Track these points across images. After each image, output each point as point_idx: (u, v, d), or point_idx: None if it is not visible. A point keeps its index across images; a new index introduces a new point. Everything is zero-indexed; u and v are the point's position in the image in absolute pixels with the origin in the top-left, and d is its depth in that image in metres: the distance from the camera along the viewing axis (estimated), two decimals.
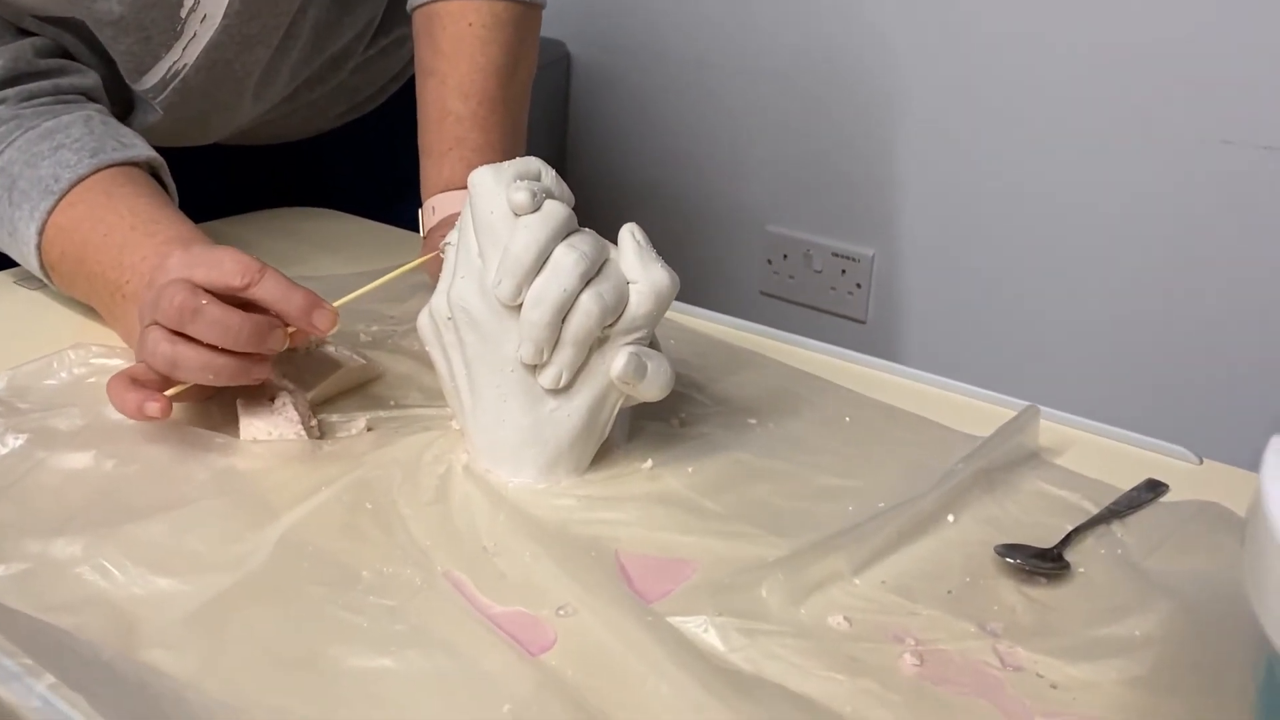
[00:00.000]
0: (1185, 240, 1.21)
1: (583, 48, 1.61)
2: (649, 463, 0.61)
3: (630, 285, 0.58)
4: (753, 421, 0.67)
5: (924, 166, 1.35)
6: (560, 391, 0.58)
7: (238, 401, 0.63)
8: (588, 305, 0.56)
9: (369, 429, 0.64)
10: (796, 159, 1.45)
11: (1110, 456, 0.65)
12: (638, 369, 0.57)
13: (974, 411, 0.70)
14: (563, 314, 0.56)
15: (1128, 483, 0.61)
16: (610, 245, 0.59)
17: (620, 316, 0.57)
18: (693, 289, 1.56)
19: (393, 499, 0.57)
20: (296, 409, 0.62)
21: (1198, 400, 1.24)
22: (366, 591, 0.50)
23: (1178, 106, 1.18)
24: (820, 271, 1.47)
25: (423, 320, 0.61)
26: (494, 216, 0.57)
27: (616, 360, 0.57)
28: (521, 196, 0.56)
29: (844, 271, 1.45)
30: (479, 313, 0.57)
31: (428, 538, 0.54)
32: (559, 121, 1.64)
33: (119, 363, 0.69)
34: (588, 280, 0.56)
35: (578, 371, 0.58)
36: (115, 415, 0.61)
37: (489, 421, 0.59)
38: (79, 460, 0.58)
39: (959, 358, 1.39)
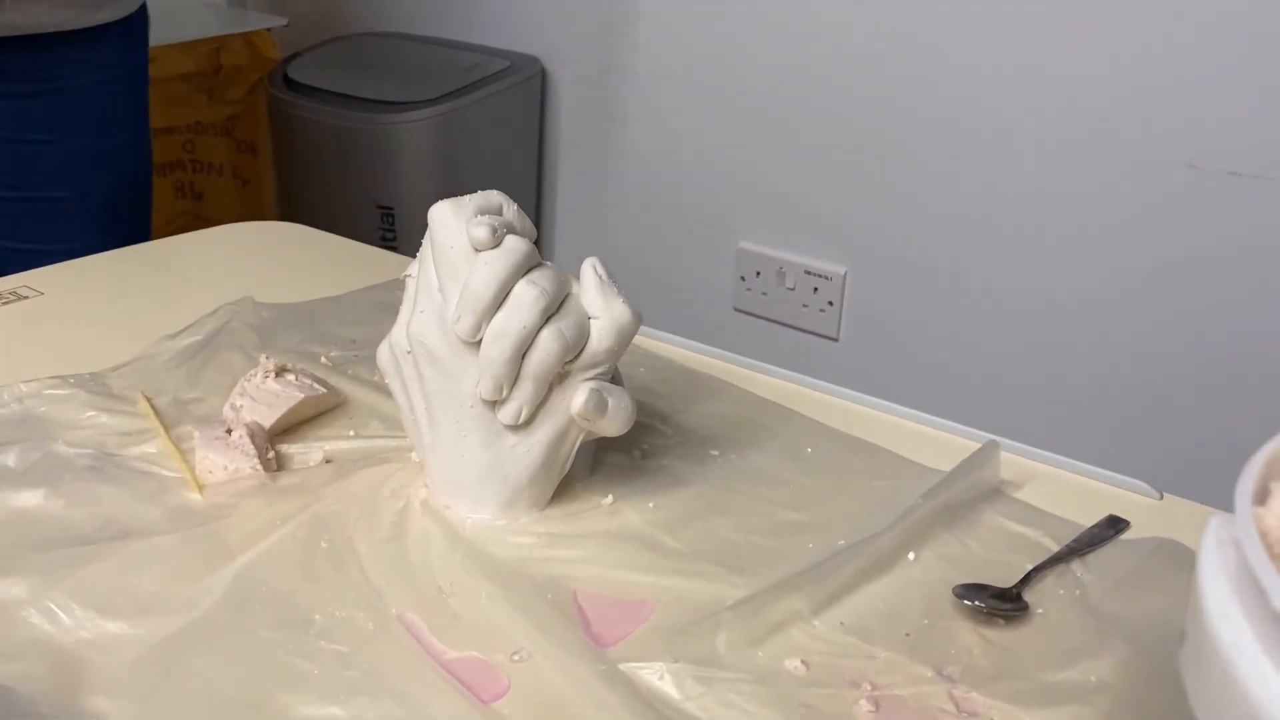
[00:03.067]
0: (1153, 267, 1.22)
1: (557, 65, 1.61)
2: (609, 498, 0.61)
3: (591, 320, 0.57)
4: (715, 453, 0.66)
5: (896, 186, 1.36)
6: (520, 428, 0.58)
7: (194, 435, 0.62)
8: (548, 342, 0.55)
9: (327, 461, 0.64)
10: (769, 176, 1.45)
11: (1072, 491, 0.65)
12: (598, 405, 0.57)
13: (937, 443, 0.70)
14: (523, 350, 0.56)
15: (1089, 518, 0.61)
16: (572, 279, 0.59)
17: (581, 352, 0.57)
18: (666, 304, 1.57)
19: (349, 536, 0.57)
20: (253, 441, 0.61)
21: (1160, 433, 1.25)
22: (318, 636, 0.49)
23: (1148, 130, 1.18)
24: (793, 289, 1.47)
25: (382, 352, 0.60)
26: (454, 251, 0.57)
27: (577, 396, 0.57)
28: (481, 232, 0.55)
29: (816, 289, 1.45)
30: (438, 348, 0.57)
31: (382, 577, 0.54)
32: (535, 137, 1.64)
33: (69, 392, 0.68)
34: (548, 316, 0.56)
35: (538, 408, 0.57)
36: (66, 451, 0.60)
37: (448, 457, 0.59)
38: (28, 499, 0.57)
39: (927, 378, 1.39)
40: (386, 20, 1.77)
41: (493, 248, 0.56)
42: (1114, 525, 0.61)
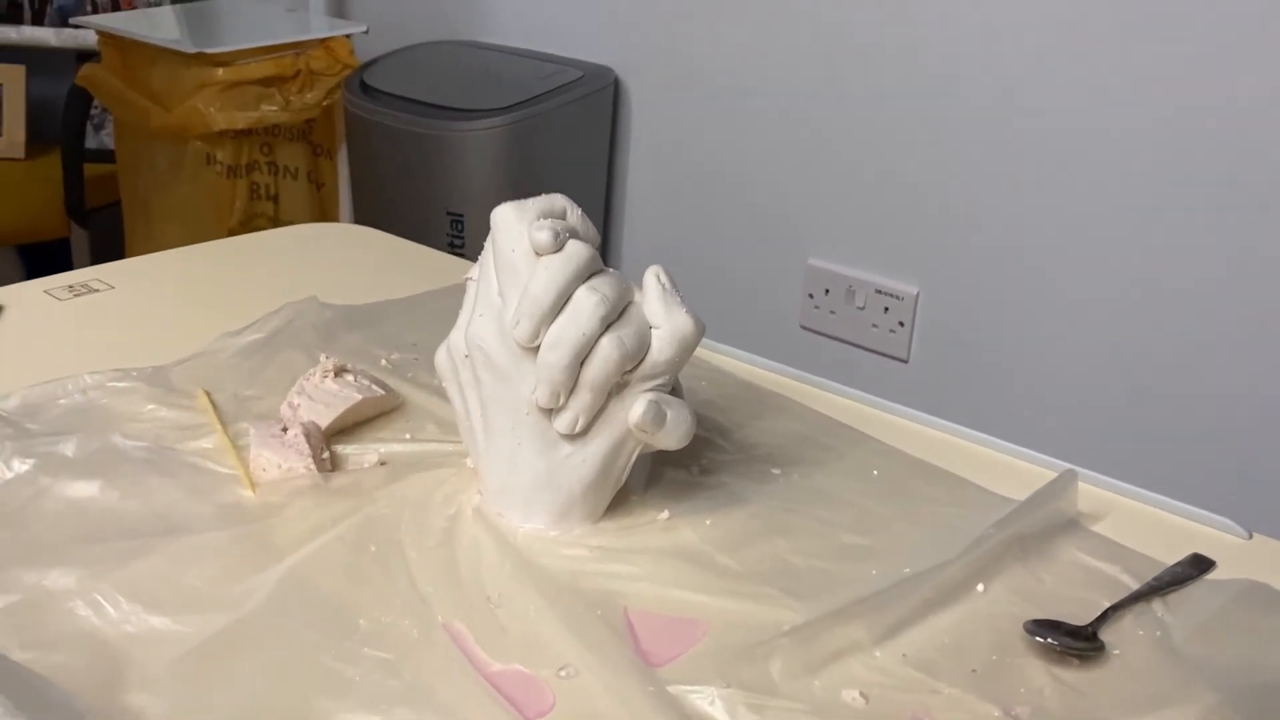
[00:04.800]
0: (1243, 297, 1.17)
1: (631, 75, 1.60)
2: (665, 513, 0.59)
3: (653, 330, 0.56)
4: (776, 471, 0.64)
5: (972, 207, 1.32)
6: (576, 437, 0.56)
7: (250, 432, 0.62)
8: (607, 350, 0.54)
9: (382, 463, 0.63)
10: (841, 192, 1.43)
11: (1153, 527, 0.61)
12: (656, 417, 0.55)
13: (1011, 471, 0.67)
14: (581, 358, 0.54)
15: (1171, 556, 0.58)
16: (634, 287, 0.57)
17: (641, 362, 0.55)
18: (732, 320, 1.55)
19: (399, 540, 0.55)
20: (308, 441, 0.60)
21: (1249, 471, 1.19)
22: (362, 642, 0.48)
23: (1237, 159, 1.14)
24: (863, 308, 1.44)
25: (440, 356, 0.59)
26: (515, 255, 0.55)
27: (635, 407, 0.55)
28: (544, 236, 0.54)
29: (887, 309, 1.42)
30: (496, 353, 0.56)
31: (430, 584, 0.52)
32: (605, 147, 1.63)
33: (131, 385, 0.68)
34: (608, 324, 0.54)
35: (595, 417, 0.56)
36: (124, 443, 0.60)
37: (502, 464, 0.57)
38: (84, 489, 0.57)
39: (1000, 404, 1.35)
40: (463, 29, 1.78)
41: (554, 252, 0.54)
42: (1199, 565, 0.57)
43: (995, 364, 1.35)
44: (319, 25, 1.80)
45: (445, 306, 0.83)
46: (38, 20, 2.19)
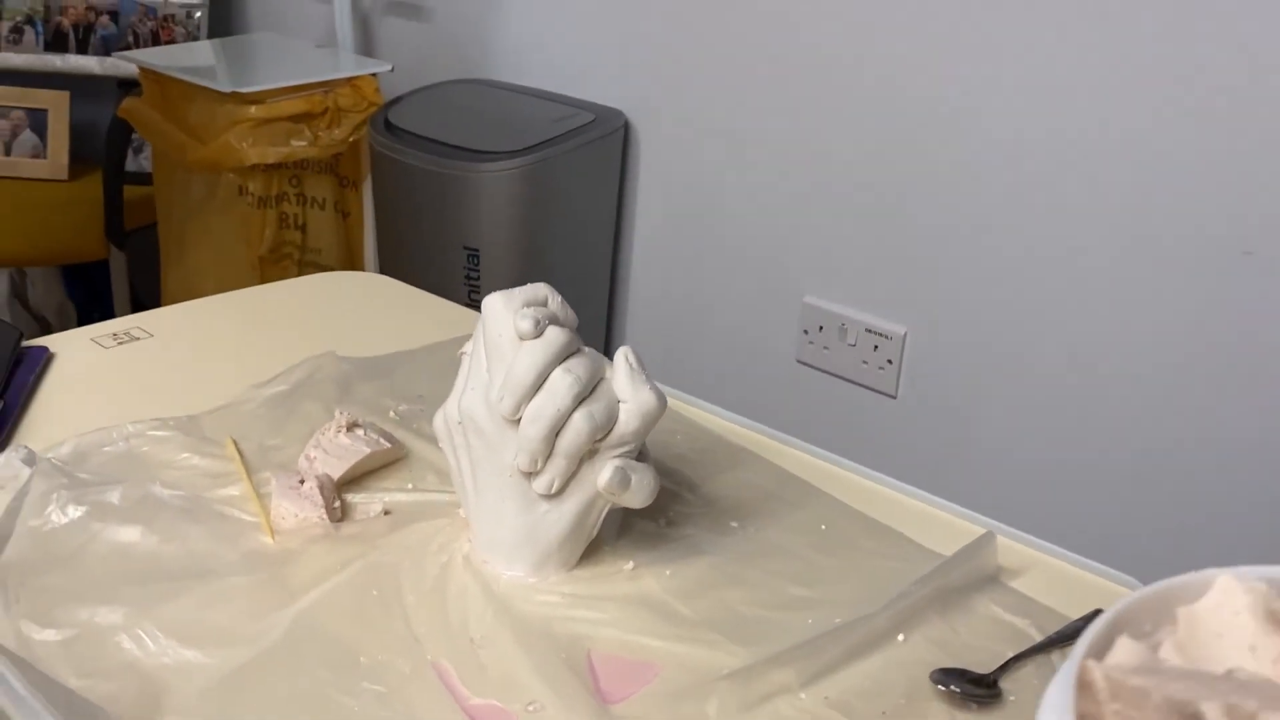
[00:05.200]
0: (1204, 360, 1.24)
1: (640, 117, 1.68)
2: (631, 564, 0.67)
3: (620, 404, 0.64)
4: (735, 525, 0.72)
5: (958, 253, 1.39)
6: (552, 497, 0.64)
7: (272, 482, 0.71)
8: (579, 424, 0.62)
9: (386, 512, 0.71)
10: (836, 234, 1.50)
11: (1066, 582, 0.69)
12: (622, 481, 0.63)
13: (948, 527, 0.74)
14: (556, 429, 0.62)
15: (1079, 610, 0.66)
16: (606, 364, 0.66)
17: (610, 432, 0.64)
18: (732, 353, 1.63)
19: (398, 585, 0.64)
20: (322, 493, 0.69)
21: (1165, 528, 1.26)
22: (362, 676, 0.57)
23: (1209, 213, 1.21)
24: (854, 345, 1.51)
25: (438, 421, 0.68)
26: (502, 339, 0.64)
27: (603, 472, 0.63)
28: (526, 324, 0.62)
29: (876, 347, 1.49)
30: (484, 422, 0.64)
31: (422, 625, 0.61)
32: (615, 188, 1.71)
33: (168, 434, 0.77)
34: (581, 400, 0.63)
35: (569, 480, 0.64)
36: (162, 493, 0.69)
37: (489, 519, 0.66)
38: (128, 534, 0.66)
39: (979, 439, 1.43)
40: (483, 68, 1.87)
41: (535, 338, 0.63)
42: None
43: (975, 402, 1.43)
44: (347, 64, 1.89)
45: (449, 359, 0.92)
46: (82, 49, 2.30)
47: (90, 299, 2.41)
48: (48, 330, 2.69)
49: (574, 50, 1.75)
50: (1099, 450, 1.34)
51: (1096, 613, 0.65)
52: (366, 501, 0.72)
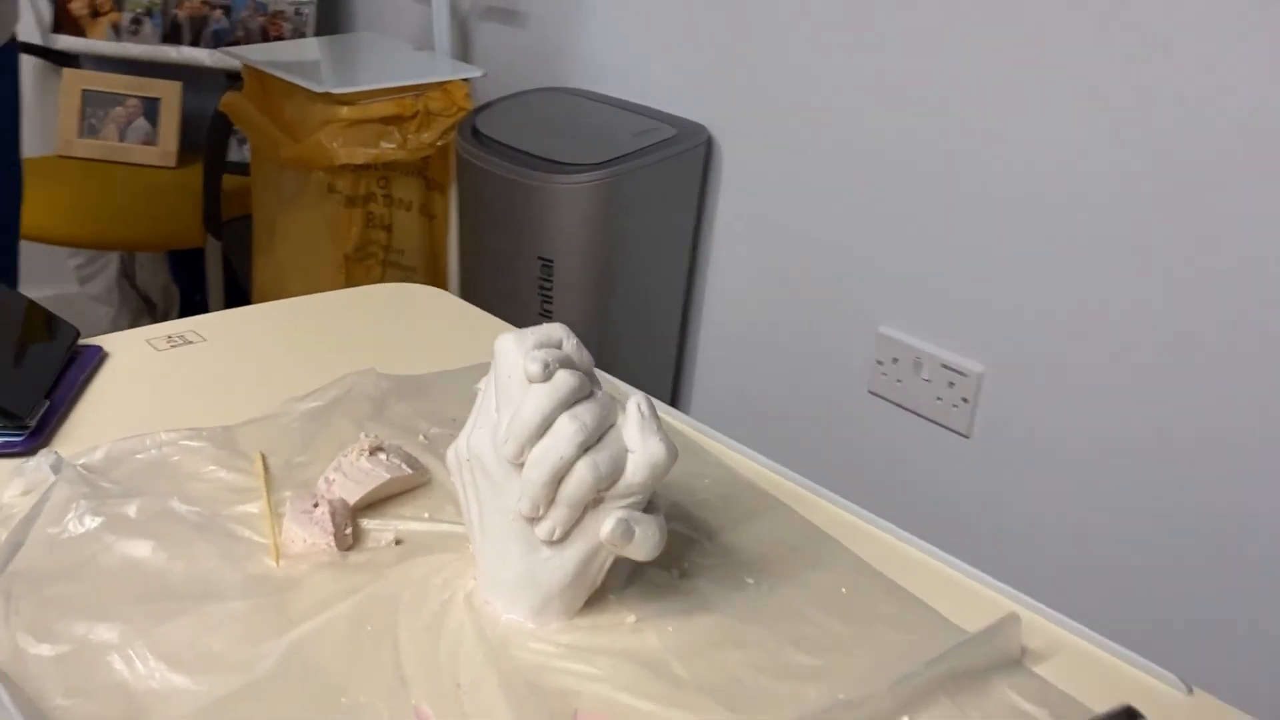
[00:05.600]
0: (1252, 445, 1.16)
1: (723, 133, 1.66)
2: (634, 617, 0.65)
3: (629, 454, 0.62)
4: (750, 581, 0.70)
5: (1041, 293, 1.34)
6: (555, 543, 0.63)
7: (288, 503, 0.71)
8: (582, 473, 0.61)
9: (398, 541, 0.71)
10: (916, 265, 1.46)
11: (1096, 671, 0.65)
12: (625, 534, 0.61)
13: (980, 600, 0.70)
14: (559, 477, 0.61)
15: (1106, 704, 0.61)
16: (619, 410, 0.64)
17: (616, 482, 0.62)
18: (805, 379, 1.60)
19: (394, 621, 0.63)
20: (333, 518, 0.69)
21: (1202, 622, 1.18)
22: (340, 717, 0.56)
23: None
24: (929, 380, 1.47)
25: (450, 455, 0.67)
26: (511, 380, 0.62)
27: (606, 523, 0.61)
28: (535, 367, 0.61)
29: (952, 384, 1.44)
30: (490, 463, 0.63)
31: (411, 666, 0.60)
32: (694, 205, 1.69)
33: (200, 445, 0.78)
34: (586, 448, 0.61)
35: (571, 527, 0.63)
36: (179, 508, 0.69)
37: (493, 558, 0.65)
38: (139, 549, 0.66)
39: (1051, 484, 1.37)
40: (570, 76, 1.87)
41: (543, 381, 0.61)
42: (1129, 716, 0.60)
43: (1050, 455, 1.37)
44: (442, 68, 1.91)
45: None
46: (195, 41, 2.37)
47: (192, 283, 2.49)
48: (152, 309, 2.79)
49: (661, 63, 1.73)
50: (1173, 531, 1.27)
51: (1128, 709, 0.61)
52: (380, 528, 0.72)
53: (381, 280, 1.92)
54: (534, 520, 0.62)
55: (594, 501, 0.62)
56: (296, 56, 2.01)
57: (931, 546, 0.75)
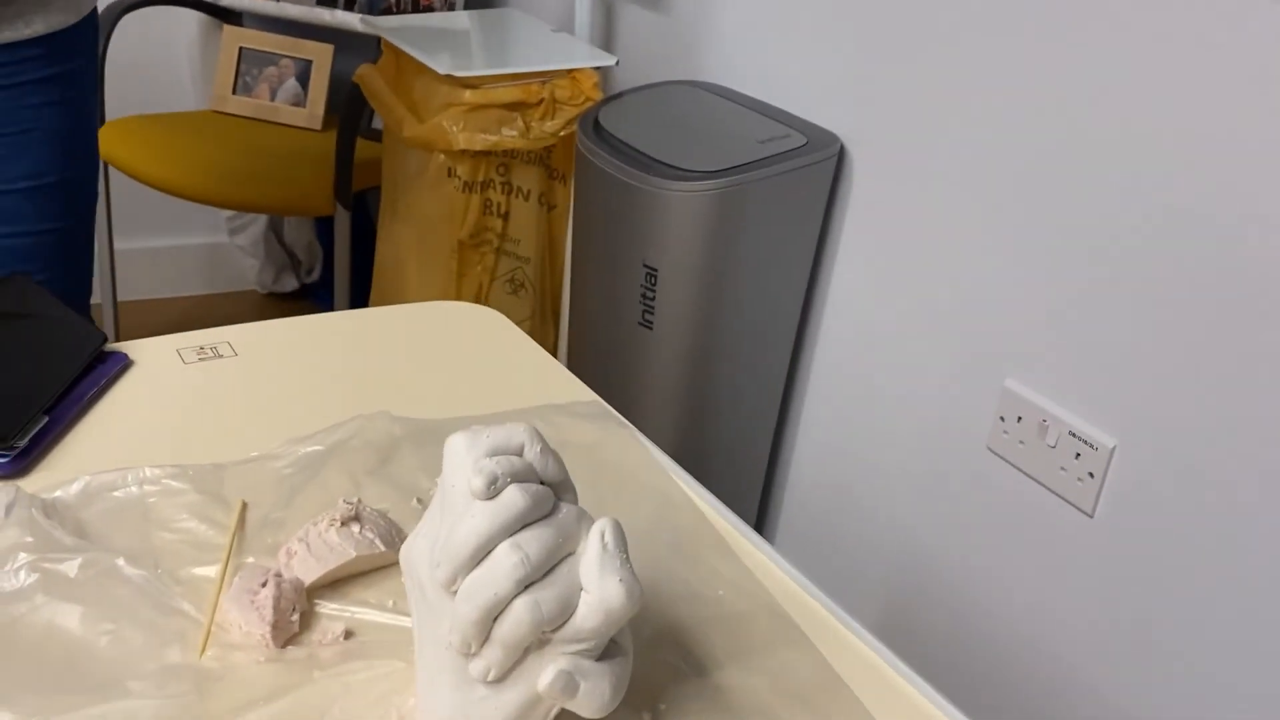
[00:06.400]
0: None
1: (857, 146, 1.52)
2: None
3: (582, 593, 0.53)
4: None
5: (1200, 363, 1.16)
6: (491, 683, 0.54)
7: (235, 580, 0.64)
8: (520, 613, 0.51)
9: (347, 635, 0.64)
10: (1052, 315, 1.29)
11: None
12: (566, 687, 0.52)
13: None
14: (494, 614, 0.52)
15: None
16: (582, 535, 0.54)
17: (564, 624, 0.53)
18: (918, 427, 1.45)
19: None
20: (276, 604, 0.62)
21: None
22: None
23: None
24: (1054, 446, 1.30)
25: (403, 551, 0.59)
26: (455, 491, 0.54)
27: (545, 673, 0.52)
28: (479, 482, 0.52)
29: (1079, 455, 1.28)
30: (424, 580, 0.55)
31: None
32: (818, 220, 1.56)
33: (182, 486, 0.73)
34: (527, 584, 0.52)
35: (510, 668, 0.54)
36: (124, 570, 0.64)
37: (425, 686, 0.57)
38: (68, 615, 0.61)
39: (1175, 605, 1.19)
40: (704, 70, 1.76)
41: (487, 499, 0.52)
42: None
43: (1185, 555, 1.19)
44: (578, 54, 1.83)
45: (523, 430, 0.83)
46: (350, 5, 2.36)
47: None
48: (296, 266, 2.84)
49: (800, 62, 1.60)
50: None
51: None
52: (334, 615, 0.65)
53: (494, 269, 1.87)
54: (468, 656, 0.54)
55: (538, 642, 0.53)
56: (437, 29, 1.97)
57: (959, 713, 0.63)
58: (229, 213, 2.67)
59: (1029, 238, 1.31)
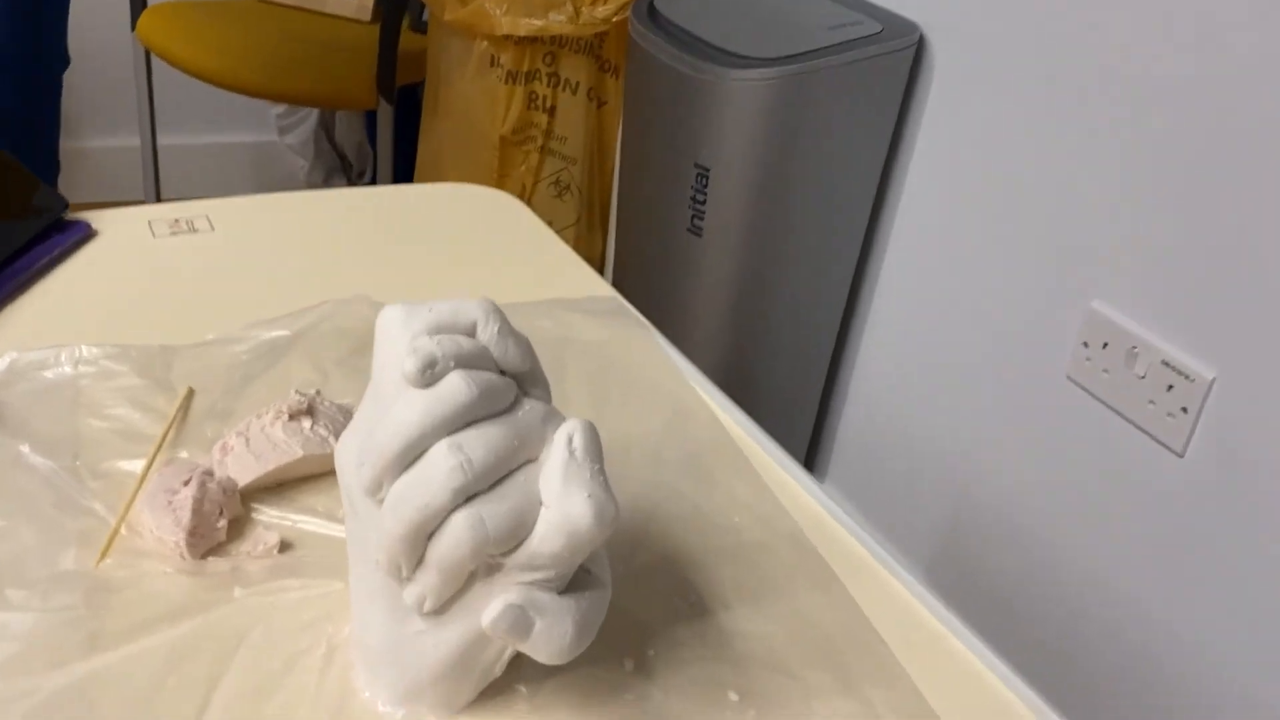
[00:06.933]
0: None
1: (940, 36, 1.36)
2: None
3: (542, 510, 0.42)
4: (734, 697, 0.48)
5: None
6: (430, 614, 0.44)
7: (159, 473, 0.54)
8: (458, 531, 0.40)
9: (281, 549, 0.53)
10: (1148, 231, 1.14)
11: None
12: (514, 626, 0.41)
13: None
14: (427, 531, 0.41)
15: None
16: (548, 441, 0.43)
17: (518, 546, 0.42)
18: (992, 350, 1.31)
19: (215, 674, 0.46)
20: (197, 508, 0.52)
21: None
22: None
23: None
24: (1143, 377, 1.16)
25: (336, 451, 0.48)
26: (384, 374, 0.43)
27: (490, 608, 0.42)
28: (412, 364, 0.41)
29: (1171, 386, 1.13)
30: (352, 486, 0.44)
31: None
32: (892, 117, 1.41)
33: (121, 368, 0.63)
34: (468, 494, 0.41)
35: (449, 598, 0.43)
36: (32, 460, 0.54)
37: (357, 613, 0.46)
38: None
39: (1272, 546, 1.05)
40: None
41: (423, 386, 0.41)
42: None
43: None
44: None
45: (521, 325, 0.72)
46: None
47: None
48: (347, 168, 2.74)
49: None
50: None
51: None
52: (272, 521, 0.55)
53: (539, 169, 1.74)
54: (399, 581, 0.43)
55: (486, 568, 0.42)
56: None
57: (1016, 679, 0.51)
58: (279, 110, 2.57)
59: (1125, 143, 1.15)
